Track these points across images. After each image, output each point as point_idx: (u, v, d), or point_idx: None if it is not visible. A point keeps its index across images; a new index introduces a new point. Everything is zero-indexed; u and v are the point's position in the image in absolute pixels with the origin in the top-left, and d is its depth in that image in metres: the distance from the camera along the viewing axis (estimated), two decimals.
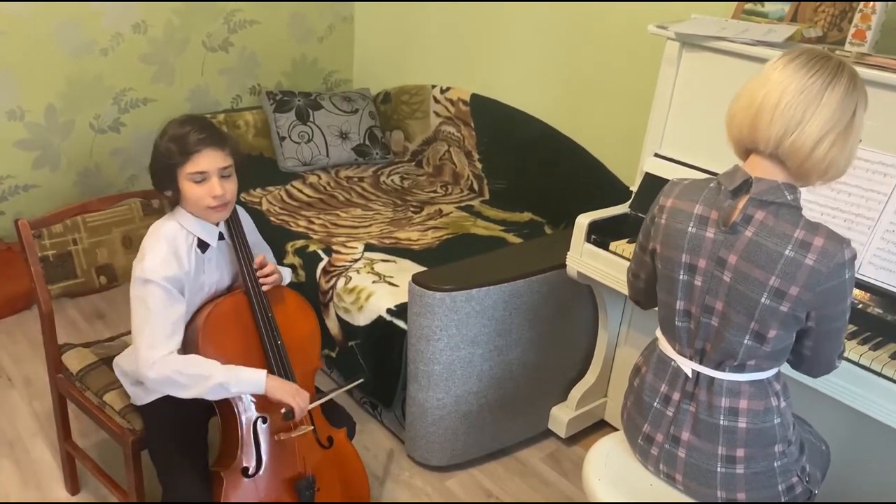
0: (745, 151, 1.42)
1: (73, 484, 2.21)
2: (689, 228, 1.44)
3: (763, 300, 1.36)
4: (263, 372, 1.72)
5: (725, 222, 1.40)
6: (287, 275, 2.05)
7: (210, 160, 1.73)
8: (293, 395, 1.74)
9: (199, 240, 1.80)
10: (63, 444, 2.15)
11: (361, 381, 2.02)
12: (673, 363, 1.54)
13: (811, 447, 1.60)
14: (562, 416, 2.51)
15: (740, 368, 1.45)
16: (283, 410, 1.75)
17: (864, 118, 1.36)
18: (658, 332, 1.59)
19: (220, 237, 1.85)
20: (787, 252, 1.33)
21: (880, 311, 1.74)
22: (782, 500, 1.51)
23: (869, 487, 1.92)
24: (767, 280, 1.35)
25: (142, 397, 1.85)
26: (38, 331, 2.04)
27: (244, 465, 1.75)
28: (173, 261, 1.73)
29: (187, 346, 1.79)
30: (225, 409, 1.78)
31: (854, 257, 1.34)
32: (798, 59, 1.33)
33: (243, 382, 1.70)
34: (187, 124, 1.74)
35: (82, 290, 2.06)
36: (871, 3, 1.90)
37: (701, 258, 1.43)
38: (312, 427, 1.84)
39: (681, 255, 1.45)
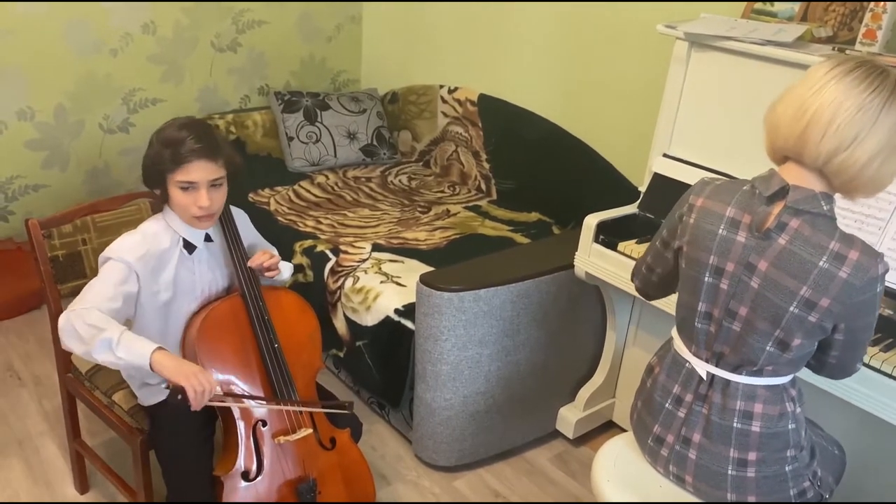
0: (783, 158, 1.38)
1: (82, 483, 2.22)
2: (720, 231, 1.41)
3: (792, 309, 1.34)
4: (154, 346, 1.59)
5: (759, 228, 1.37)
6: (287, 270, 2.03)
7: (201, 171, 1.70)
8: (187, 376, 1.56)
9: (185, 240, 1.80)
10: (72, 443, 2.16)
11: (345, 411, 1.88)
12: (687, 364, 1.52)
13: (823, 451, 1.58)
14: (570, 417, 2.50)
15: (758, 373, 1.44)
16: (165, 386, 1.60)
17: None
18: (674, 332, 1.58)
19: (208, 238, 1.85)
20: (821, 263, 1.31)
21: (891, 313, 1.73)
22: None
23: (882, 490, 1.90)
24: (798, 290, 1.32)
25: (148, 398, 1.85)
26: (48, 330, 2.05)
27: (244, 469, 1.74)
28: (140, 250, 1.73)
29: (185, 350, 1.79)
30: (224, 413, 1.78)
31: (886, 271, 1.32)
32: (855, 73, 1.27)
33: (131, 350, 1.58)
34: (185, 130, 1.70)
35: None
36: (882, 2, 1.89)
37: (729, 262, 1.40)
38: (312, 429, 1.83)
39: (708, 257, 1.43)
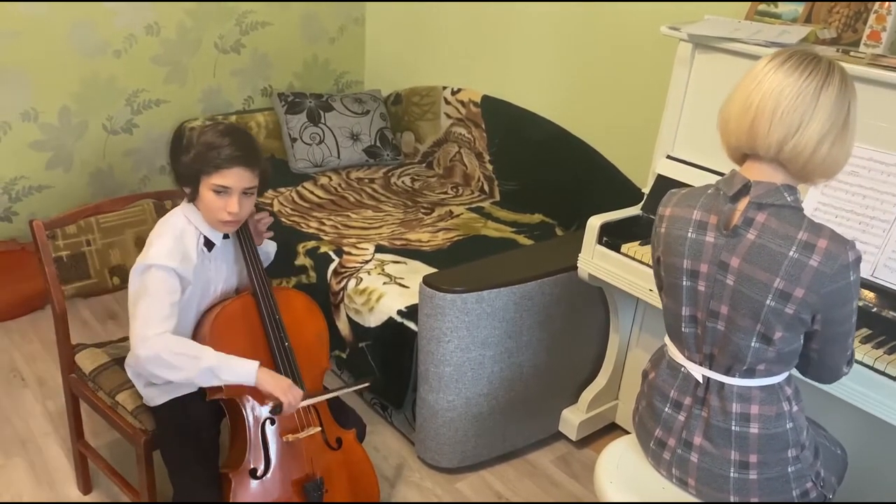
0: (742, 157, 1.42)
1: (86, 483, 2.22)
2: (689, 234, 1.44)
3: (768, 302, 1.35)
4: (256, 363, 1.70)
5: (726, 226, 1.39)
6: (272, 246, 2.09)
7: (237, 178, 1.73)
8: (284, 391, 1.71)
9: (205, 238, 1.82)
10: (75, 443, 2.16)
11: (367, 384, 2.00)
12: (683, 369, 1.53)
13: (826, 452, 1.58)
14: (572, 419, 2.50)
15: (750, 373, 1.44)
16: (271, 404, 1.75)
17: (880, 120, 1.35)
18: (666, 339, 1.59)
19: (225, 235, 1.87)
20: (790, 253, 1.32)
21: (895, 315, 1.72)
22: None
23: (884, 492, 1.90)
24: (772, 282, 1.34)
25: (154, 398, 1.85)
26: (52, 331, 2.05)
27: (252, 466, 1.75)
28: (178, 254, 1.74)
29: None
30: (233, 410, 1.79)
31: (859, 259, 1.33)
32: (790, 62, 1.32)
33: (234, 371, 1.68)
34: (228, 136, 1.73)
35: (95, 290, 2.07)
36: (887, 3, 1.89)
37: (702, 263, 1.42)
38: (320, 428, 1.84)
39: (682, 262, 1.45)
